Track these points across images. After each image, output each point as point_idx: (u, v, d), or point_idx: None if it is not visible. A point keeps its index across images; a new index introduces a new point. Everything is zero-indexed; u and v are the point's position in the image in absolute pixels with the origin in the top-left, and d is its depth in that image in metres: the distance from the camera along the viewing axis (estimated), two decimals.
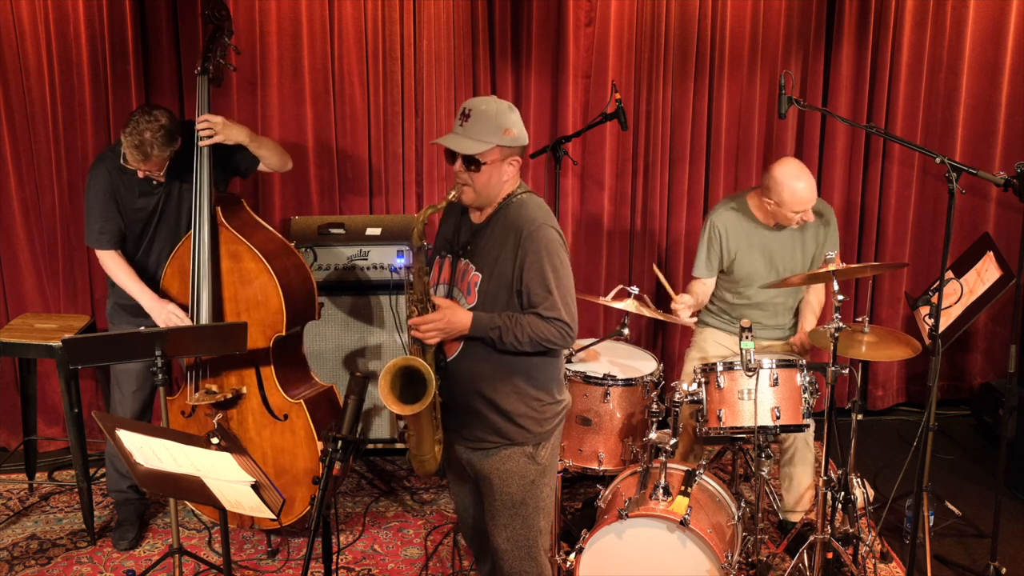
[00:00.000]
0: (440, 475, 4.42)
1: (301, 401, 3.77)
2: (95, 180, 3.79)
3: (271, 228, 3.91)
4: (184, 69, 4.60)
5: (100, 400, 4.69)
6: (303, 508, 3.79)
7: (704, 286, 4.11)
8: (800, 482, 4.02)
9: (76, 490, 4.28)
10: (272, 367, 3.78)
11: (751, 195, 4.05)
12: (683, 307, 3.96)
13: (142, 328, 3.56)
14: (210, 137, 3.70)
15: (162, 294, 3.81)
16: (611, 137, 4.86)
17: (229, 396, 3.77)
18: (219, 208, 3.73)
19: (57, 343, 3.92)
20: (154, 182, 3.78)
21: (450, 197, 2.82)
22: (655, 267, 4.17)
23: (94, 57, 4.50)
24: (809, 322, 4.08)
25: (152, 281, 3.84)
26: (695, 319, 4.12)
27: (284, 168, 4.03)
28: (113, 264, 3.82)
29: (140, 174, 3.72)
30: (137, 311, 3.81)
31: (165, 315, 3.72)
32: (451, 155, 2.81)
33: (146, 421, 3.96)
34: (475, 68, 4.75)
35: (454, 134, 2.80)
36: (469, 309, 2.83)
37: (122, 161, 3.71)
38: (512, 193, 2.88)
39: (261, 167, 3.94)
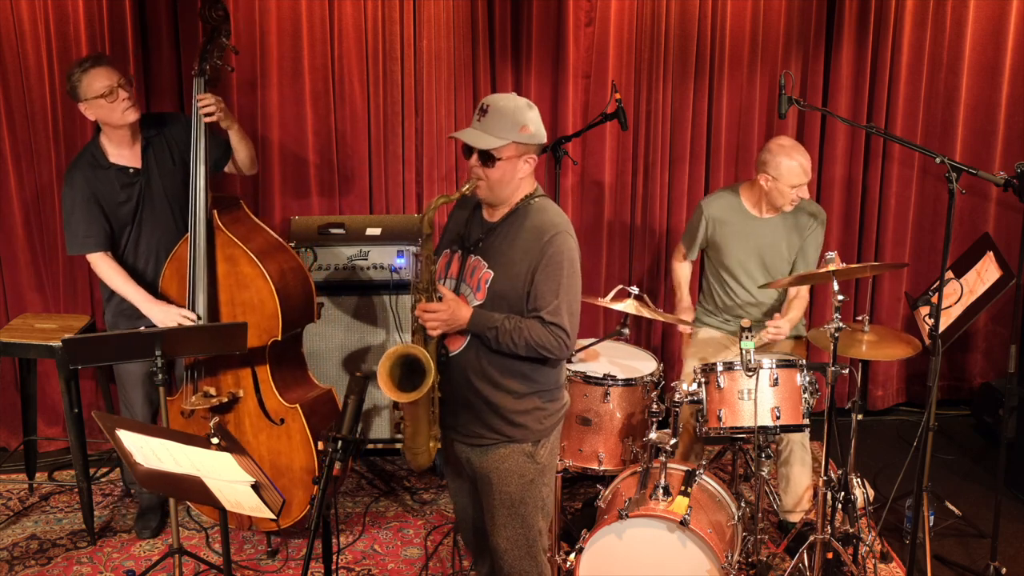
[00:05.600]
0: (439, 475, 4.46)
1: (297, 406, 3.75)
2: (72, 186, 3.73)
3: (269, 230, 3.88)
4: (184, 69, 4.60)
5: (100, 400, 4.69)
6: (301, 511, 3.78)
7: (686, 268, 4.30)
8: (798, 483, 4.01)
9: (76, 490, 4.28)
10: (268, 371, 3.76)
11: (743, 187, 4.09)
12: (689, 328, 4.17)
13: (142, 328, 3.55)
14: (211, 116, 3.64)
15: (161, 295, 3.78)
16: (611, 137, 4.86)
17: (226, 400, 3.76)
18: (216, 211, 3.70)
19: (57, 343, 3.92)
20: (131, 170, 3.75)
21: (464, 190, 2.83)
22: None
23: None
24: (794, 313, 4.04)
25: (144, 279, 3.80)
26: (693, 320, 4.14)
27: (251, 171, 3.99)
28: (106, 267, 3.76)
29: (117, 114, 3.65)
30: (140, 314, 3.76)
31: (170, 318, 3.67)
32: (468, 149, 2.82)
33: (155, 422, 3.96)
34: (475, 68, 4.75)
35: (471, 128, 2.82)
36: (477, 306, 2.84)
37: (83, 96, 3.65)
38: (529, 195, 2.89)
39: (227, 167, 3.91)
